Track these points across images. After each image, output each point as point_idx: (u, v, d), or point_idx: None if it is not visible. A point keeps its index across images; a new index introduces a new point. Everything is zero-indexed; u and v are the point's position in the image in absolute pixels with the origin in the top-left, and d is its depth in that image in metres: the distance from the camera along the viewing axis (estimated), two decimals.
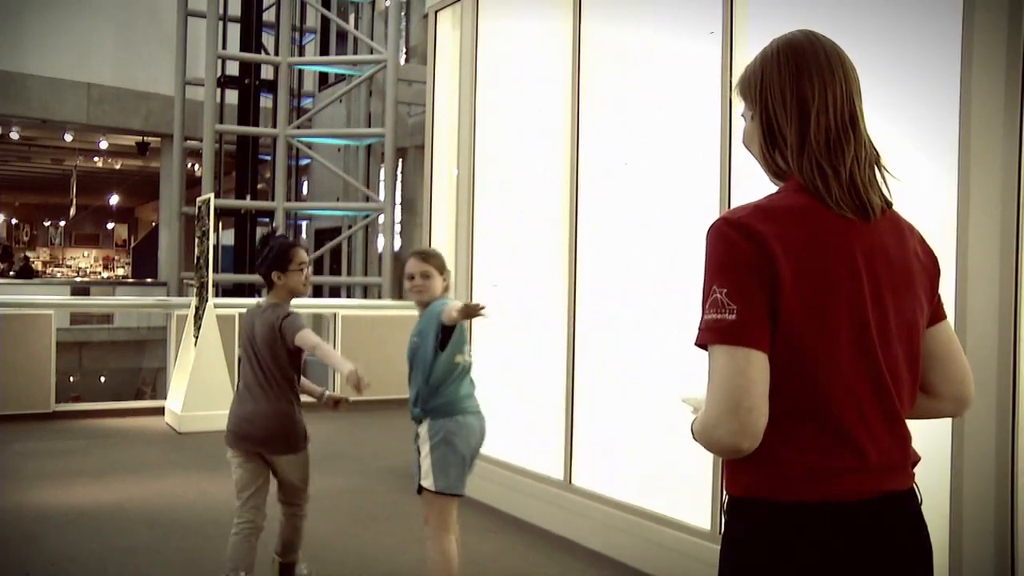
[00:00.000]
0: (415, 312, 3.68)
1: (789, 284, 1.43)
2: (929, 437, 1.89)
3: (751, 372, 1.40)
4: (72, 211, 32.69)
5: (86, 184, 30.20)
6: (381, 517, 5.50)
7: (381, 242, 14.90)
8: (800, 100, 1.52)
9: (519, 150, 5.78)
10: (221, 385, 7.95)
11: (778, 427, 1.42)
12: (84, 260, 37.44)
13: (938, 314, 1.63)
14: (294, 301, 3.89)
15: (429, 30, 6.77)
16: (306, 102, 17.63)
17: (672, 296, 4.46)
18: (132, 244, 36.49)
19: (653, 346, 4.61)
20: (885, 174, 1.57)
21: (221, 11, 15.47)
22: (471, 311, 3.30)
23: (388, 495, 5.99)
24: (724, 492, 1.57)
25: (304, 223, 19.14)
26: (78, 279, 28.59)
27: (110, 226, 38.23)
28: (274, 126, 14.81)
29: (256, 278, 4.12)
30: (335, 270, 17.10)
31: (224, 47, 15.42)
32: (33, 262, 31.57)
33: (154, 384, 16.38)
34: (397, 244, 14.90)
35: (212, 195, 8.56)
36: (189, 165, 17.91)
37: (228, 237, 16.76)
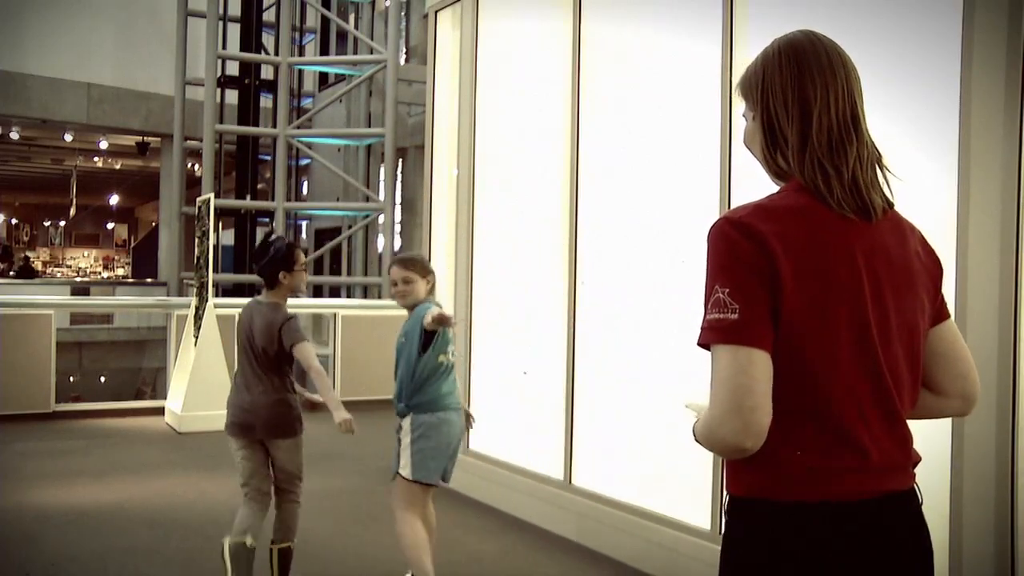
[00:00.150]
0: None
1: (790, 283, 1.43)
2: (929, 437, 1.89)
3: (754, 371, 1.40)
4: (72, 211, 32.69)
5: (86, 184, 30.20)
6: (381, 517, 5.49)
7: (381, 242, 14.91)
8: (801, 100, 1.52)
9: (519, 150, 5.78)
10: (221, 385, 7.90)
11: (779, 427, 1.42)
12: (84, 260, 37.45)
13: (942, 313, 1.63)
14: (291, 300, 4.04)
15: (429, 30, 6.77)
16: (306, 102, 17.64)
17: (672, 296, 4.46)
18: (132, 244, 36.50)
19: (653, 346, 4.61)
20: (887, 174, 1.57)
21: (221, 11, 15.47)
22: (443, 321, 3.54)
23: (388, 495, 5.98)
24: (724, 492, 1.57)
25: (304, 223, 19.16)
26: (78, 279, 28.59)
27: (110, 226, 38.24)
28: (274, 126, 14.81)
29: (255, 278, 4.25)
30: (335, 270, 17.11)
31: (224, 47, 15.42)
32: (33, 262, 31.57)
33: (154, 384, 16.37)
34: (397, 244, 14.91)
35: (212, 195, 8.56)
36: (189, 165, 17.92)
37: (228, 237, 16.77)
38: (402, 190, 15.27)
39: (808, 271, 1.44)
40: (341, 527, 5.19)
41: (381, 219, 14.65)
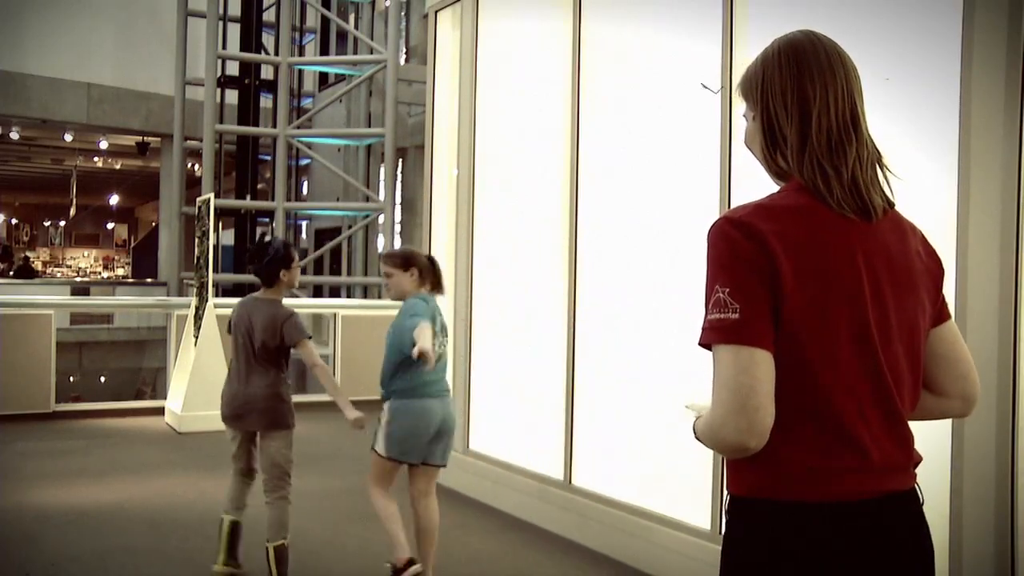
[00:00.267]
0: None
1: (790, 283, 1.43)
2: (929, 438, 1.89)
3: (756, 371, 1.40)
4: (72, 211, 32.68)
5: (86, 184, 30.20)
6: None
7: (381, 242, 14.91)
8: (801, 100, 1.52)
9: (519, 150, 5.78)
10: (221, 385, 7.92)
11: (779, 426, 1.42)
12: (84, 260, 37.44)
13: (943, 314, 1.63)
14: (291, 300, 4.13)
15: (429, 30, 6.77)
16: (306, 102, 17.64)
17: (672, 296, 4.46)
18: (132, 244, 36.49)
19: (653, 346, 4.61)
20: (887, 174, 1.57)
21: (221, 11, 15.47)
22: (422, 356, 3.68)
23: None
24: (725, 492, 1.57)
25: (304, 223, 19.16)
26: (78, 279, 28.58)
27: (110, 226, 38.23)
28: (274, 126, 14.81)
29: (256, 278, 4.37)
30: (335, 270, 17.11)
31: (224, 47, 15.42)
32: (33, 262, 31.55)
33: (154, 384, 16.37)
34: (397, 244, 14.91)
35: (212, 195, 8.56)
36: (189, 165, 17.92)
37: (228, 237, 16.77)
38: (402, 190, 15.28)
39: (808, 271, 1.44)
40: (341, 527, 5.20)
41: (381, 219, 14.66)
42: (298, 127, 15.38)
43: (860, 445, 1.46)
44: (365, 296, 15.39)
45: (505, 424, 5.76)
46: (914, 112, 3.42)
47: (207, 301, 8.14)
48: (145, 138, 21.21)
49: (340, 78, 16.66)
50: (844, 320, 1.46)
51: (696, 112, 4.36)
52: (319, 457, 7.01)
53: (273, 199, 14.70)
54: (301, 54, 17.27)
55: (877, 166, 1.55)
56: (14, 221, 38.96)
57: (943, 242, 2.35)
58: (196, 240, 8.85)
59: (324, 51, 17.76)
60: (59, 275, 32.24)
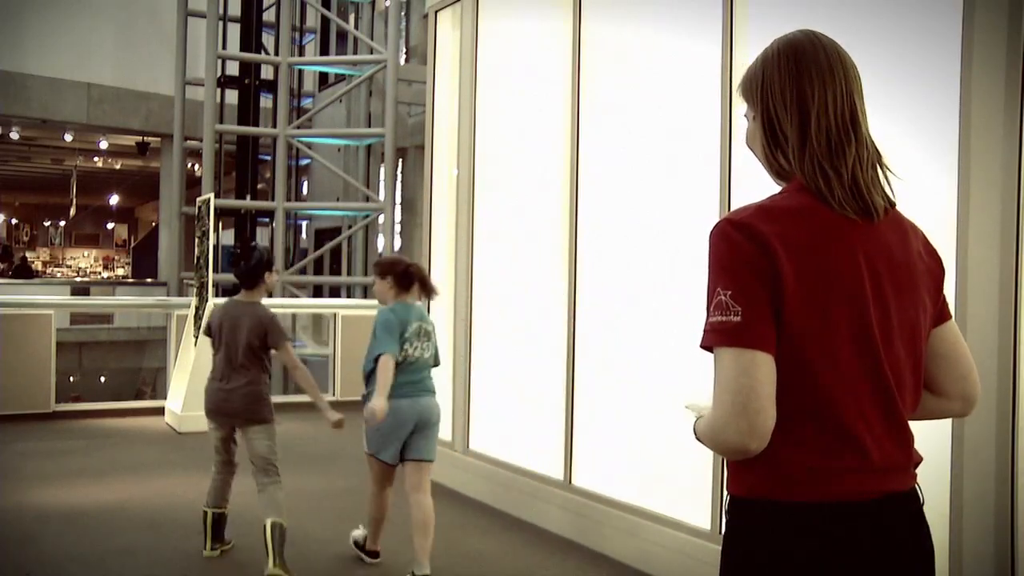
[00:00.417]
0: None
1: (791, 284, 1.43)
2: (929, 438, 1.89)
3: (758, 373, 1.40)
4: (72, 211, 32.67)
5: (86, 184, 30.19)
6: None
7: (381, 242, 14.90)
8: (800, 100, 1.52)
9: (519, 150, 5.78)
10: None
11: (779, 426, 1.42)
12: (84, 260, 37.42)
13: (944, 314, 1.63)
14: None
15: (429, 30, 6.77)
16: (306, 102, 17.62)
17: (672, 296, 4.46)
18: (132, 244, 36.47)
19: (653, 346, 4.61)
20: (888, 174, 1.57)
21: (221, 11, 15.45)
22: (368, 419, 4.06)
23: None
24: (725, 492, 1.57)
25: (304, 223, 19.14)
26: (78, 279, 28.55)
27: (110, 226, 38.21)
28: (274, 126, 14.80)
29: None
30: (335, 270, 17.11)
31: (224, 47, 15.40)
32: (32, 262, 31.53)
33: (154, 384, 16.37)
34: (397, 244, 14.91)
35: (212, 195, 8.56)
36: (189, 165, 17.91)
37: (228, 237, 16.76)
38: (402, 190, 15.27)
39: (809, 272, 1.44)
40: (340, 527, 5.19)
41: (381, 219, 14.64)
42: (298, 127, 15.37)
43: (860, 445, 1.46)
44: (365, 296, 15.37)
45: (505, 424, 5.76)
46: (914, 112, 3.42)
47: (207, 301, 8.14)
48: (145, 138, 21.20)
49: (340, 78, 16.65)
50: (845, 320, 1.46)
51: (696, 112, 4.36)
52: (319, 457, 7.01)
53: (273, 199, 14.68)
54: (301, 54, 17.25)
55: (877, 166, 1.55)
56: (14, 221, 38.95)
57: (943, 242, 2.34)
58: (196, 240, 8.86)
59: (324, 51, 17.75)
60: (59, 275, 32.22)
